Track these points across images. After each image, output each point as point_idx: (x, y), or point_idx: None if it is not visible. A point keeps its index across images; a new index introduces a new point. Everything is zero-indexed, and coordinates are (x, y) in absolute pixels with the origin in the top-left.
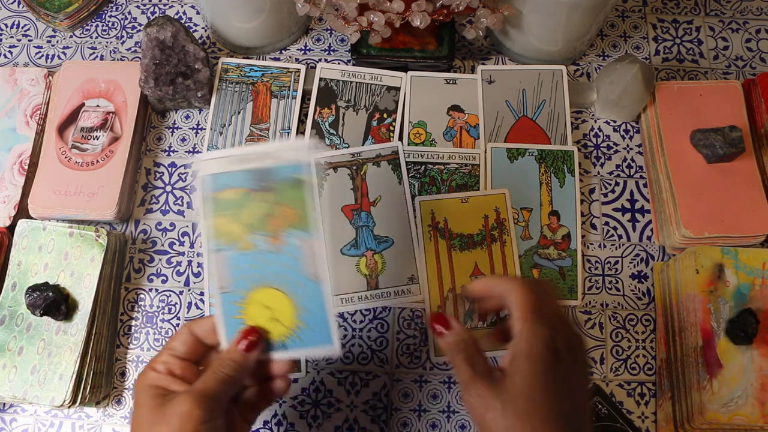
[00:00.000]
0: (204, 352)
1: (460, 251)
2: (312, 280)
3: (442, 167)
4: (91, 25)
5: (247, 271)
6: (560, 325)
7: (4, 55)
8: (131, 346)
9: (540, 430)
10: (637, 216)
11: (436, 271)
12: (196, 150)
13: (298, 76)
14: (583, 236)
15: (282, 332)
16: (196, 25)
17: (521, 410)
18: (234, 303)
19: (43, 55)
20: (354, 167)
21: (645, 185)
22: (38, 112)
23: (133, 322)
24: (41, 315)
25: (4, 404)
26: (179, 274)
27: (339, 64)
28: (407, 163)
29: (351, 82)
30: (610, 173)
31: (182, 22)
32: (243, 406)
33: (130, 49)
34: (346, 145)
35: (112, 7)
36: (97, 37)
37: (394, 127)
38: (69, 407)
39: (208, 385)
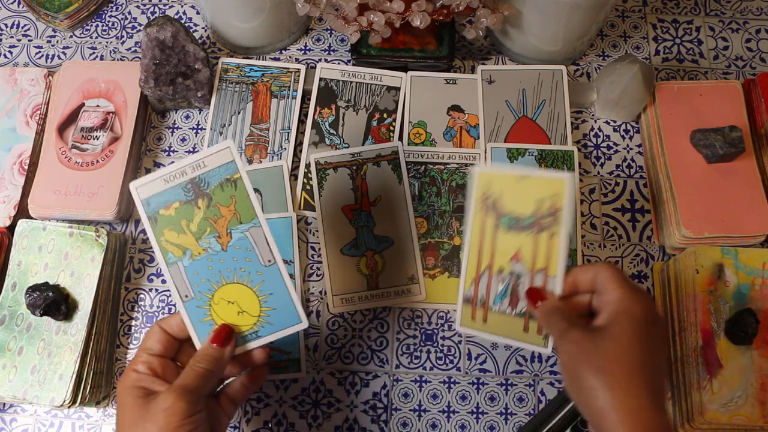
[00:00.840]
0: (179, 347)
1: (506, 231)
2: (266, 265)
3: (443, 167)
4: (91, 25)
5: (204, 274)
6: (646, 294)
7: (4, 55)
8: (131, 346)
9: (633, 379)
10: (637, 216)
11: (477, 247)
12: (196, 150)
13: (298, 76)
14: (583, 236)
15: (251, 322)
16: (196, 25)
17: (618, 359)
18: (199, 307)
19: (43, 55)
20: (354, 167)
21: (645, 185)
22: (38, 112)
23: (133, 322)
24: (41, 315)
25: (4, 404)
26: None
27: (339, 64)
28: (407, 163)
29: (351, 82)
30: (610, 173)
31: (182, 22)
32: (223, 399)
33: (130, 49)
34: (346, 145)
35: (112, 7)
36: (97, 37)
37: (394, 127)
38: (69, 407)
39: (188, 381)
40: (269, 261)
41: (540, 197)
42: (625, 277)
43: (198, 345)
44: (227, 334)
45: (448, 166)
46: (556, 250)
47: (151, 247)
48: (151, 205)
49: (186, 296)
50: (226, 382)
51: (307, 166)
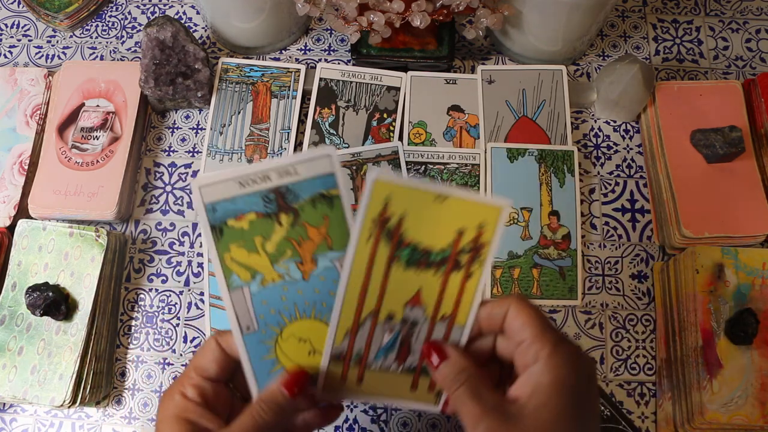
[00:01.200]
0: (235, 368)
1: (405, 267)
2: None
3: (442, 167)
4: (91, 25)
5: (276, 305)
6: (578, 348)
7: (4, 55)
8: (131, 346)
9: None
10: (637, 216)
11: (361, 284)
12: (196, 150)
13: (298, 76)
14: (583, 236)
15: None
16: (196, 25)
17: None
18: (262, 342)
19: (43, 55)
20: (354, 167)
21: (645, 185)
22: (38, 112)
23: (133, 322)
24: (41, 315)
25: (4, 404)
26: (179, 274)
27: (339, 64)
28: (407, 163)
29: (351, 82)
30: (610, 173)
31: (182, 22)
32: None
33: (130, 49)
34: (346, 145)
35: (112, 7)
36: (97, 37)
37: (394, 127)
38: (69, 407)
39: (245, 430)
40: None
41: (461, 226)
42: (545, 321)
43: (253, 385)
44: (303, 382)
45: (448, 166)
46: (470, 294)
47: (152, 247)
48: (218, 212)
49: (248, 328)
50: None
51: None
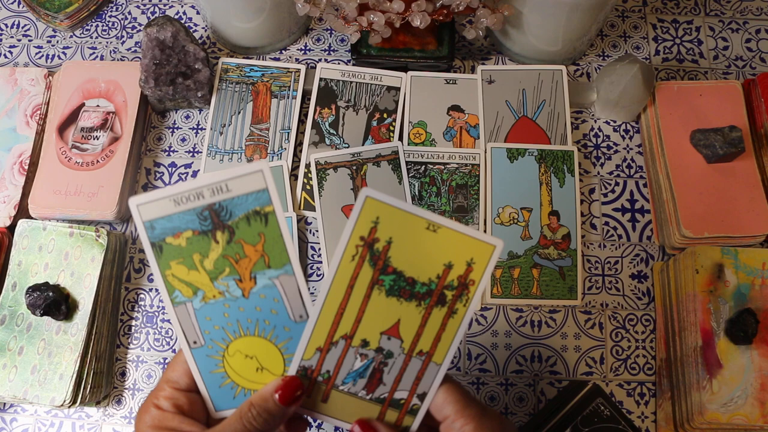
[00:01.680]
0: None
1: (386, 295)
2: (297, 321)
3: (442, 167)
4: (91, 25)
5: (219, 321)
6: (500, 418)
7: (5, 55)
8: (131, 346)
9: None
10: (637, 216)
11: (339, 303)
12: (196, 150)
13: (298, 76)
14: (583, 236)
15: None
16: (196, 25)
17: None
18: (210, 356)
19: (43, 55)
20: (354, 167)
21: (645, 185)
22: (38, 112)
23: (134, 322)
24: (41, 315)
25: (5, 404)
26: None
27: (339, 64)
28: (407, 163)
29: (351, 82)
30: (610, 173)
31: (182, 22)
32: None
33: (130, 49)
34: (346, 145)
35: (112, 7)
36: (97, 37)
37: (394, 127)
38: (69, 407)
39: None
40: (300, 317)
41: (450, 259)
42: (466, 396)
43: (206, 397)
44: (297, 392)
45: (448, 166)
46: (452, 333)
47: None
48: (156, 230)
49: (194, 342)
50: None
51: (307, 166)
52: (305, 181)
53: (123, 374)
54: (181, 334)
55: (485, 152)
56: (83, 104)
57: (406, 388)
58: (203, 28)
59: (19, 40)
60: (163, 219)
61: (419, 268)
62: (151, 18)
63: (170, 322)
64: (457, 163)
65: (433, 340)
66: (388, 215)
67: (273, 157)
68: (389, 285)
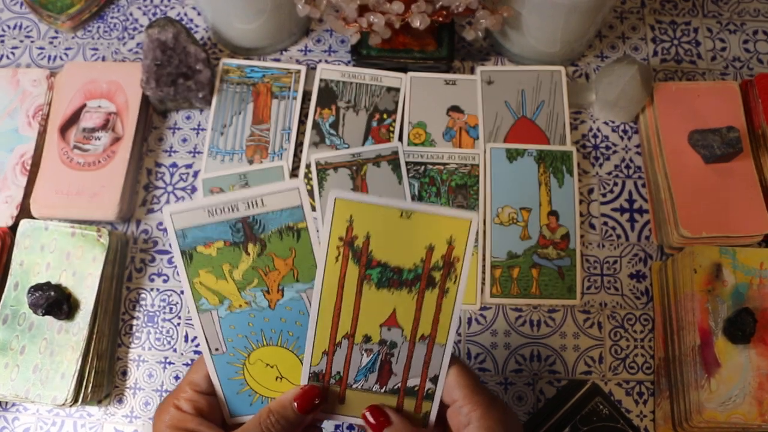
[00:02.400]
0: None
1: (377, 288)
2: None
3: (442, 167)
4: (93, 27)
5: (243, 330)
6: (506, 408)
7: (7, 56)
8: (133, 345)
9: None
10: (636, 216)
11: (333, 304)
12: (197, 150)
13: (299, 76)
14: (581, 236)
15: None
16: (197, 26)
17: None
18: (230, 364)
19: (45, 56)
20: (354, 167)
21: (643, 185)
22: (40, 112)
23: (135, 322)
24: (43, 314)
25: (7, 403)
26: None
27: (339, 65)
28: (407, 163)
29: (351, 82)
30: (609, 173)
31: (183, 23)
32: None
33: (131, 50)
34: (346, 146)
35: (113, 9)
36: (98, 38)
37: (393, 127)
38: (71, 406)
39: None
40: None
41: (430, 242)
42: (476, 382)
43: (223, 403)
44: (316, 400)
45: (447, 166)
46: (448, 312)
47: (153, 247)
48: (188, 239)
49: (216, 349)
50: None
51: (308, 166)
52: (305, 181)
53: (124, 373)
54: (203, 340)
55: (484, 152)
56: (85, 105)
57: (417, 375)
58: (204, 29)
59: (22, 41)
60: (196, 228)
61: (402, 255)
62: (153, 19)
63: (194, 328)
64: (457, 164)
65: (432, 323)
66: (360, 212)
67: (273, 157)
68: (377, 278)
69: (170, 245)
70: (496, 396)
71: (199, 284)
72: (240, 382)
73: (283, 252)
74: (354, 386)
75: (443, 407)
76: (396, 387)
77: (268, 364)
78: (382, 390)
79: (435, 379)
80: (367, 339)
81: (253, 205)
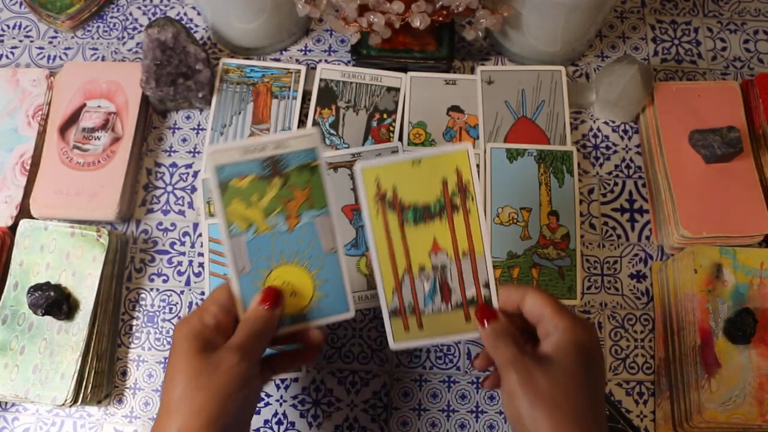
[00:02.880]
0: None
1: (415, 225)
2: (328, 253)
3: None
4: (93, 26)
5: (266, 251)
6: (589, 322)
7: (6, 56)
8: (132, 345)
9: (581, 410)
10: (636, 216)
11: (387, 252)
12: (196, 150)
13: (299, 76)
14: (582, 236)
15: (302, 304)
16: (197, 26)
17: (569, 390)
18: (253, 283)
19: (44, 56)
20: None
21: (644, 185)
22: (40, 112)
23: (135, 322)
24: (43, 314)
25: (6, 403)
26: (180, 273)
27: (339, 64)
28: None
29: (351, 82)
30: (609, 173)
31: (183, 23)
32: (263, 364)
33: (131, 49)
34: (346, 146)
35: (113, 8)
36: (98, 38)
37: (394, 127)
38: (70, 406)
39: (244, 341)
40: (331, 249)
41: (442, 176)
42: (561, 304)
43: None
44: (276, 295)
45: None
46: (477, 226)
47: (152, 247)
48: (224, 173)
49: (242, 270)
50: (269, 352)
51: None
52: None
53: (124, 374)
54: (232, 262)
55: (485, 152)
56: (84, 105)
57: (471, 285)
58: (204, 29)
59: (21, 41)
60: (231, 165)
61: (425, 194)
62: (152, 19)
63: (224, 252)
64: None
65: (467, 239)
66: (383, 171)
67: None
68: (412, 217)
69: (209, 178)
70: (587, 320)
71: (232, 212)
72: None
73: (301, 184)
74: (426, 312)
75: (529, 327)
76: (459, 302)
77: (285, 281)
78: (449, 308)
79: (487, 285)
80: (422, 268)
81: (279, 146)
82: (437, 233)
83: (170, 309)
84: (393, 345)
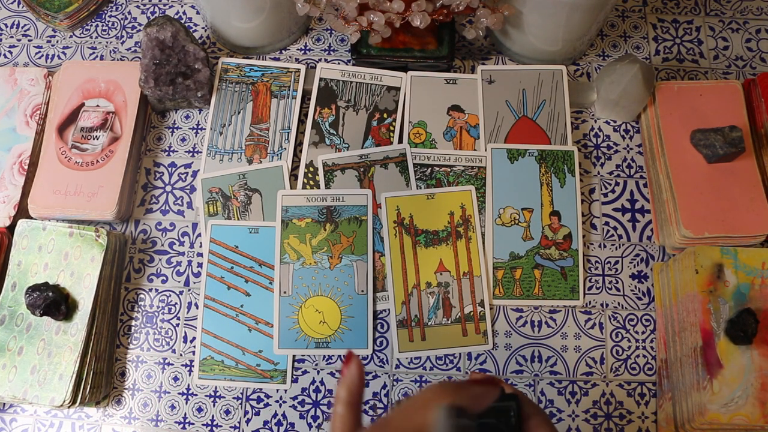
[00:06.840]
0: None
1: (425, 247)
2: (359, 293)
3: (449, 169)
4: (91, 25)
5: (307, 281)
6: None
7: (4, 54)
8: (131, 346)
9: None
10: (637, 216)
11: (401, 268)
12: (196, 150)
13: (298, 76)
14: (583, 236)
15: (327, 333)
16: (196, 25)
17: None
18: (290, 305)
19: (43, 55)
20: (362, 169)
21: (645, 185)
22: (38, 112)
23: (133, 322)
24: (41, 315)
25: (4, 404)
26: (179, 274)
27: (339, 64)
28: (414, 165)
29: (351, 82)
30: (611, 173)
31: (182, 22)
32: None
33: (130, 49)
34: (347, 145)
35: (112, 7)
36: (97, 37)
37: (394, 127)
38: (69, 407)
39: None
40: (362, 291)
41: (450, 210)
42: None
43: (276, 333)
44: (352, 357)
45: (454, 168)
46: (476, 252)
47: (152, 247)
48: (289, 213)
49: (284, 292)
50: None
51: (308, 166)
52: (305, 181)
53: (123, 374)
54: (278, 283)
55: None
56: (83, 104)
57: (469, 302)
58: (203, 28)
59: (19, 40)
60: (296, 207)
61: (435, 223)
62: (151, 18)
63: (273, 276)
64: (464, 166)
65: (467, 262)
66: (402, 202)
67: (273, 157)
68: (424, 240)
69: (276, 215)
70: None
71: (287, 244)
72: (293, 320)
73: (348, 232)
74: (429, 324)
75: None
76: (458, 316)
77: (317, 310)
78: (449, 321)
79: (482, 303)
80: (429, 284)
81: (336, 200)
82: (443, 256)
83: (169, 309)
84: (397, 355)
